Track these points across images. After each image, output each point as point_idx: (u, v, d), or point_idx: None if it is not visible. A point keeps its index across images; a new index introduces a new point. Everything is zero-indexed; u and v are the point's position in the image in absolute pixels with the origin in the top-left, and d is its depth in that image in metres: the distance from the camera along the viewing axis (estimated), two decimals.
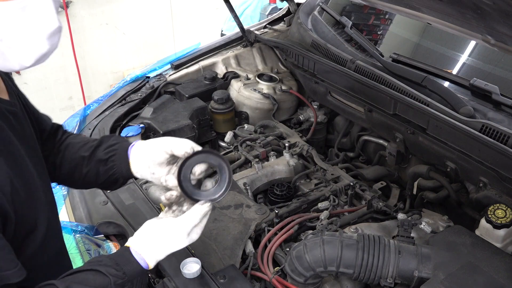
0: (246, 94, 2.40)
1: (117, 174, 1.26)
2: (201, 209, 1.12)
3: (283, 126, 2.30)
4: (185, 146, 1.17)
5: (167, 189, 1.89)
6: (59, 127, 1.35)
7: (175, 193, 1.16)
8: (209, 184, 1.24)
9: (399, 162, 2.04)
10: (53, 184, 1.26)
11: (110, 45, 4.26)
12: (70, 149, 1.30)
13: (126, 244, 1.10)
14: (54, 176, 1.29)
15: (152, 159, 1.21)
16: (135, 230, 1.50)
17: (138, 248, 1.08)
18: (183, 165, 1.14)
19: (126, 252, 1.08)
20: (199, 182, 1.21)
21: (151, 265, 1.09)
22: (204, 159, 1.16)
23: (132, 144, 1.25)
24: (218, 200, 1.16)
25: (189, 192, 1.14)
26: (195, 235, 1.13)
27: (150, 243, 1.09)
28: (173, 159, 1.22)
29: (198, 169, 1.16)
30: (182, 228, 1.11)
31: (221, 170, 1.16)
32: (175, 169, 1.20)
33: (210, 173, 1.88)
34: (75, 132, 2.06)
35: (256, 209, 1.67)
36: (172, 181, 1.18)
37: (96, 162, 1.26)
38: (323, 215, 1.70)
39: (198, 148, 1.19)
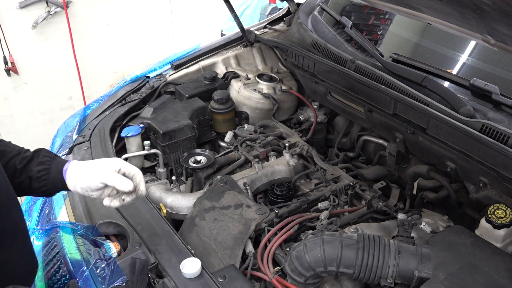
0: (246, 94, 2.40)
1: (51, 189, 1.31)
2: None
3: (283, 126, 2.30)
4: (117, 179, 1.24)
5: (168, 189, 1.90)
6: None
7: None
8: None
9: (399, 162, 2.04)
10: None
11: (110, 45, 4.26)
12: (4, 157, 1.28)
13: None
14: None
15: (88, 186, 1.27)
16: (135, 230, 1.51)
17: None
18: None
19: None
20: None
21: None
22: None
23: (65, 166, 1.29)
24: None
25: None
26: None
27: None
28: (106, 186, 1.28)
29: None
30: None
31: None
32: (108, 192, 1.29)
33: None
34: (75, 132, 2.06)
35: (256, 209, 1.67)
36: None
37: (29, 177, 1.28)
38: (323, 215, 1.70)
39: (128, 169, 1.29)
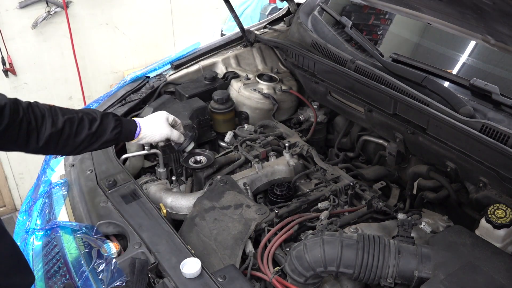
0: (246, 94, 2.40)
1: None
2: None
3: (283, 126, 2.30)
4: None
5: (167, 189, 1.90)
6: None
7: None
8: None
9: (399, 162, 2.04)
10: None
11: (110, 45, 4.25)
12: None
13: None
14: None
15: (154, 141, 1.74)
16: (135, 230, 1.51)
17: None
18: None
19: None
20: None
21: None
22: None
23: (137, 131, 1.64)
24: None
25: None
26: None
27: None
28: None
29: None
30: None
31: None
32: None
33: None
34: None
35: (256, 209, 1.67)
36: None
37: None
38: (323, 215, 1.70)
39: (174, 118, 1.80)
